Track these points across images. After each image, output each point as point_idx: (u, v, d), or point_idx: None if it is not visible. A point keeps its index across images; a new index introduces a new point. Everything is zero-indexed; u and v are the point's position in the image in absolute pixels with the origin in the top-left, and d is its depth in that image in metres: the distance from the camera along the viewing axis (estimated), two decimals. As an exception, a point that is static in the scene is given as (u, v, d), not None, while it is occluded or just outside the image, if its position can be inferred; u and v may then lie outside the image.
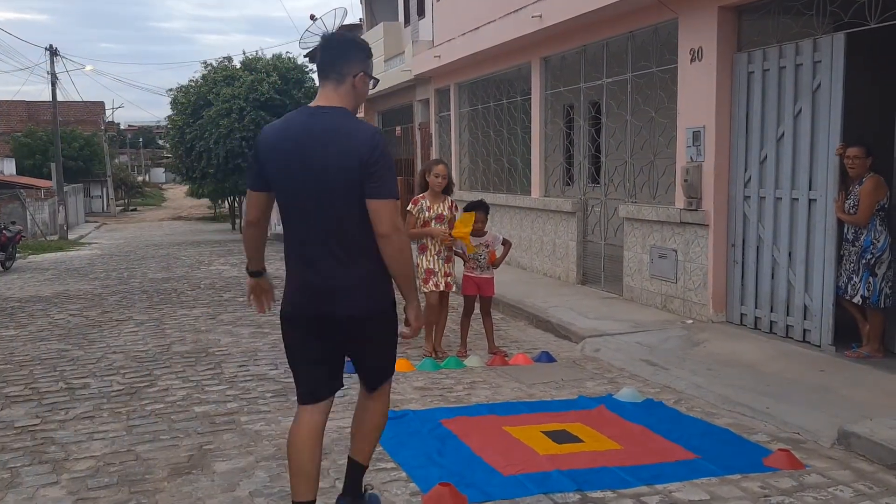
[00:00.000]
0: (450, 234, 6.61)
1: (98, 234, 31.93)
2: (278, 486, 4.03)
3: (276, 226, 31.43)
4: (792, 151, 6.71)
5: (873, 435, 4.32)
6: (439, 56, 13.79)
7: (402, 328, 3.33)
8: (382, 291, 3.20)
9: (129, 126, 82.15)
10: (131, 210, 52.83)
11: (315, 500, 3.28)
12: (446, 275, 6.70)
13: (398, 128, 18.89)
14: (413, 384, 5.93)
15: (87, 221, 39.72)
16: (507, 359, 6.67)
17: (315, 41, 23.63)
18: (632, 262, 8.88)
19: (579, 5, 8.94)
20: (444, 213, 6.65)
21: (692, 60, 7.67)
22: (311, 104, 3.17)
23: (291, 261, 3.23)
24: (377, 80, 3.33)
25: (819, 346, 6.45)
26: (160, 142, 68.12)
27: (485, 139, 13.48)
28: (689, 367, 6.13)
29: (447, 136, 15.09)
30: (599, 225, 9.94)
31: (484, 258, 6.90)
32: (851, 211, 6.11)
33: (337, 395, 3.43)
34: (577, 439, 4.65)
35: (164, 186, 71.86)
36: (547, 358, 6.70)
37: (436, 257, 6.67)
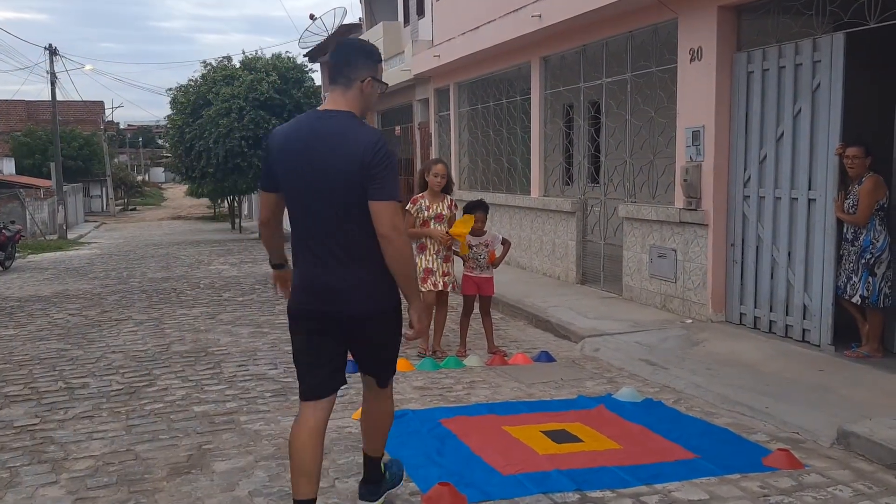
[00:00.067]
0: (447, 232, 6.61)
1: (97, 233, 31.93)
2: (277, 486, 4.03)
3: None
4: (791, 151, 6.72)
5: (873, 434, 4.32)
6: (439, 55, 13.79)
7: (406, 329, 3.37)
8: (383, 292, 3.24)
9: (129, 125, 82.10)
10: (131, 209, 52.82)
11: (316, 499, 3.29)
12: (445, 274, 6.70)
13: (398, 127, 18.89)
14: (412, 384, 5.93)
15: (86, 221, 39.72)
16: (506, 358, 6.67)
17: (315, 41, 23.66)
18: (631, 262, 8.88)
19: (579, 5, 8.94)
20: (444, 213, 6.65)
21: (692, 60, 7.67)
22: (320, 108, 3.27)
23: (297, 259, 3.30)
24: (386, 85, 3.40)
25: (818, 346, 6.45)
26: (160, 141, 68.07)
27: (484, 139, 13.48)
28: (689, 367, 6.13)
29: (447, 136, 15.08)
30: (599, 225, 9.94)
31: (483, 258, 6.90)
32: (851, 210, 6.11)
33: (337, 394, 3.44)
34: (576, 439, 4.65)
35: (163, 186, 71.86)
36: (546, 358, 6.70)
37: (434, 257, 6.67)
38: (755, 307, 7.19)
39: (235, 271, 14.17)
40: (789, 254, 6.79)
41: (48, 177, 33.52)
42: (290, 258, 3.49)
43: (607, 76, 9.42)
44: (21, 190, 28.41)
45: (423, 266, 6.65)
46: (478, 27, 11.98)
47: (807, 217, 6.59)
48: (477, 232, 6.85)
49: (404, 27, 17.54)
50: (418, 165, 16.04)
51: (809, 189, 6.55)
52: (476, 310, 7.02)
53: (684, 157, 7.79)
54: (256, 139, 22.31)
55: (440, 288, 6.69)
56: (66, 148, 40.65)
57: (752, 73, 7.12)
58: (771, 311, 7.01)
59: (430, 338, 6.82)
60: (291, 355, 3.45)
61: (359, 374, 3.54)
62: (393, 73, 17.09)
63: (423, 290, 6.60)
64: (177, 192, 59.79)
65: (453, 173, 14.31)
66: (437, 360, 6.58)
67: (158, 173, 76.24)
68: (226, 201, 34.85)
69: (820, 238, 6.45)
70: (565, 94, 10.84)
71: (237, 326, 8.51)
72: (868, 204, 5.98)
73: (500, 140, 12.77)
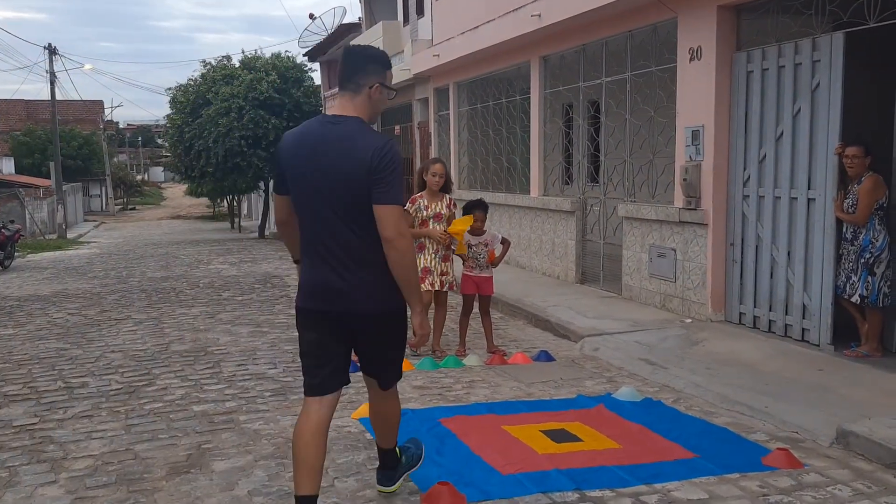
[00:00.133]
0: (445, 231, 6.61)
1: (97, 232, 31.92)
2: (277, 485, 4.03)
3: (274, 225, 31.41)
4: (791, 151, 6.71)
5: (872, 434, 4.32)
6: (438, 55, 13.79)
7: (411, 335, 3.42)
8: (386, 293, 3.27)
9: (128, 125, 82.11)
10: (130, 209, 52.82)
11: (317, 495, 3.31)
12: (443, 273, 6.70)
13: (397, 127, 18.88)
14: (412, 383, 5.93)
15: (85, 220, 39.72)
16: (505, 358, 6.67)
17: (314, 40, 23.66)
18: (631, 262, 8.88)
19: (578, 4, 8.93)
20: (443, 212, 6.65)
21: (691, 59, 7.67)
22: (329, 112, 3.35)
23: (304, 259, 3.38)
24: (395, 91, 3.47)
25: (818, 346, 6.45)
26: (159, 141, 68.06)
27: (484, 138, 13.48)
28: (688, 366, 6.13)
29: (446, 135, 15.08)
30: (598, 224, 9.94)
31: (483, 257, 6.90)
32: (850, 210, 6.11)
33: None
34: (575, 438, 4.65)
35: (162, 185, 71.86)
36: (546, 357, 6.70)
37: (433, 256, 6.67)
38: (754, 307, 7.19)
39: (235, 270, 14.17)
40: (789, 253, 6.79)
41: (47, 176, 33.52)
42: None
43: (607, 75, 9.42)
44: (20, 189, 28.41)
45: (421, 265, 6.65)
46: (477, 27, 11.98)
47: (806, 216, 6.59)
48: (476, 231, 6.85)
49: (404, 26, 17.53)
50: (418, 165, 16.03)
51: (809, 188, 6.55)
52: (475, 309, 7.02)
53: (684, 157, 7.79)
54: (256, 138, 22.31)
55: (437, 288, 6.69)
56: (66, 147, 40.64)
57: (751, 73, 7.12)
58: (770, 310, 7.01)
59: (430, 337, 6.82)
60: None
61: (359, 374, 3.58)
62: (392, 73, 17.06)
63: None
64: (176, 192, 59.80)
65: (453, 173, 14.33)
66: (437, 359, 6.58)
67: (158, 173, 76.24)
68: (225, 201, 34.87)
69: (819, 237, 6.45)
70: (565, 94, 10.84)
71: (236, 326, 8.51)
72: (867, 203, 5.97)
73: (499, 139, 12.77)
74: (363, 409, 5.11)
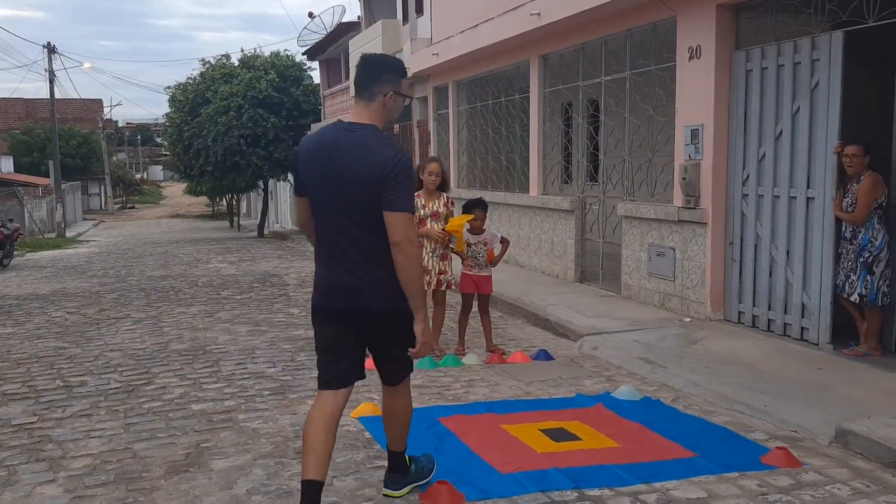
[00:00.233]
0: (444, 229, 6.60)
1: (96, 231, 31.91)
2: (276, 484, 4.03)
3: (273, 224, 31.44)
4: (790, 150, 6.71)
5: (871, 433, 4.32)
6: (437, 54, 13.77)
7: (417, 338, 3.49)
8: (395, 293, 3.38)
9: (128, 123, 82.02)
10: (129, 208, 52.79)
11: (323, 482, 3.37)
12: (441, 273, 6.69)
13: (396, 126, 18.87)
14: (411, 382, 5.91)
15: (84, 219, 39.72)
16: (505, 357, 6.67)
17: (313, 39, 23.64)
18: (630, 261, 8.88)
19: (578, 3, 8.92)
20: (440, 210, 6.64)
21: (690, 58, 7.67)
22: (345, 119, 3.51)
23: (319, 259, 3.54)
24: (411, 98, 3.56)
25: (817, 345, 6.45)
26: (158, 139, 67.97)
27: (483, 137, 13.48)
28: (687, 366, 6.13)
29: (445, 134, 15.07)
30: (598, 223, 9.93)
31: (482, 256, 6.90)
32: (849, 209, 6.11)
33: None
34: (574, 437, 4.65)
35: (162, 184, 71.81)
36: (545, 356, 6.70)
37: (431, 255, 6.66)
38: (754, 306, 7.19)
39: (234, 269, 14.17)
40: (788, 252, 6.79)
41: (46, 175, 33.51)
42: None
43: (606, 74, 9.42)
44: (19, 188, 28.41)
45: (420, 264, 6.63)
46: (477, 25, 11.97)
47: (805, 215, 6.59)
48: (476, 230, 6.84)
49: (403, 25, 17.51)
50: (416, 164, 16.02)
51: (808, 187, 6.55)
52: (475, 308, 7.02)
53: (683, 156, 7.79)
54: (255, 137, 22.30)
55: (434, 287, 6.68)
56: (65, 146, 40.62)
57: (750, 72, 7.12)
58: (769, 309, 7.01)
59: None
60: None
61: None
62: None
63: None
64: (175, 191, 59.77)
65: (452, 172, 14.33)
66: (436, 358, 6.57)
67: (157, 171, 76.18)
68: (224, 199, 34.85)
69: (818, 236, 6.45)
70: (564, 93, 10.83)
71: (235, 325, 8.50)
72: (866, 202, 5.97)
73: (498, 138, 12.76)
74: (362, 409, 5.11)
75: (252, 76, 22.49)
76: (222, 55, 24.29)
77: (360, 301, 3.39)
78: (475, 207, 6.84)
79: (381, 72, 3.46)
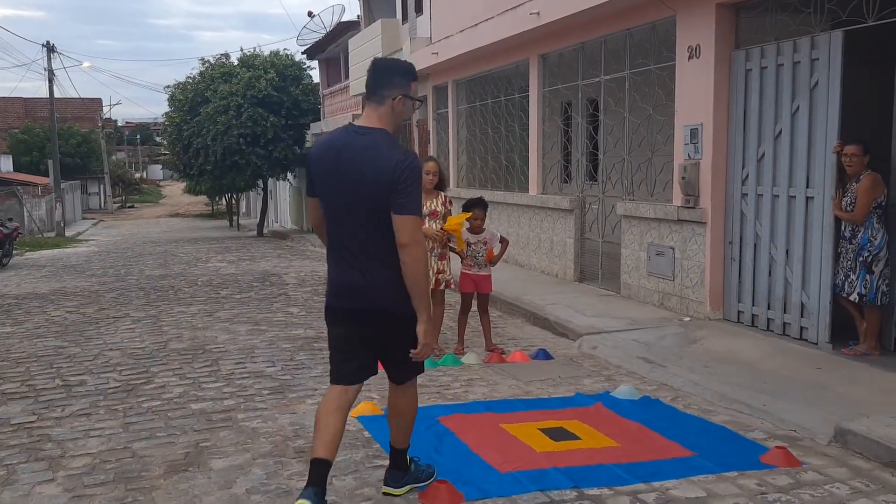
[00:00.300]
0: (442, 228, 6.60)
1: (95, 230, 31.90)
2: (275, 483, 4.03)
3: (273, 223, 31.43)
4: (789, 149, 6.71)
5: (870, 432, 4.32)
6: (437, 53, 13.77)
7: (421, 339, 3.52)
8: (401, 294, 3.44)
9: (127, 123, 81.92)
10: (129, 207, 52.76)
11: (331, 462, 3.47)
12: (439, 272, 6.68)
13: (395, 125, 18.84)
14: (410, 381, 5.92)
15: (84, 218, 39.69)
16: (504, 356, 6.67)
17: (313, 38, 23.63)
18: (629, 260, 8.88)
19: (577, 2, 8.92)
20: (438, 209, 6.62)
21: (690, 58, 7.66)
22: (356, 122, 3.55)
23: (328, 259, 3.65)
24: (421, 101, 3.56)
25: (816, 344, 6.45)
26: (158, 139, 67.91)
27: (482, 136, 13.47)
28: (686, 365, 6.13)
29: (445, 133, 15.07)
30: (597, 222, 9.93)
31: (482, 255, 6.90)
32: (848, 208, 6.11)
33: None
34: (574, 437, 4.65)
35: (161, 183, 71.74)
36: (544, 355, 6.70)
37: (429, 254, 6.65)
38: (753, 305, 7.19)
39: (233, 269, 14.17)
40: (787, 252, 6.79)
41: (46, 174, 33.48)
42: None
43: (606, 74, 9.42)
44: (19, 187, 28.38)
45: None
46: (476, 24, 11.97)
47: (805, 215, 6.59)
48: (476, 230, 6.84)
49: (402, 24, 17.50)
50: (416, 163, 15.97)
51: (807, 187, 6.55)
52: (474, 307, 7.02)
53: (682, 155, 7.79)
54: (254, 136, 22.29)
55: (432, 286, 6.67)
56: (64, 145, 40.59)
57: (750, 71, 7.12)
58: (769, 308, 7.01)
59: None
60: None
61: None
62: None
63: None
64: (175, 190, 59.73)
65: (451, 171, 14.33)
66: (435, 357, 6.57)
67: (156, 171, 76.10)
68: (224, 199, 34.85)
69: (818, 236, 6.45)
70: (563, 92, 10.83)
71: (235, 324, 8.50)
72: (866, 202, 5.97)
73: (498, 138, 12.76)
74: (362, 408, 5.11)
75: (251, 75, 22.48)
76: (222, 54, 24.29)
77: (366, 301, 3.47)
78: (475, 207, 6.84)
79: (389, 76, 3.53)
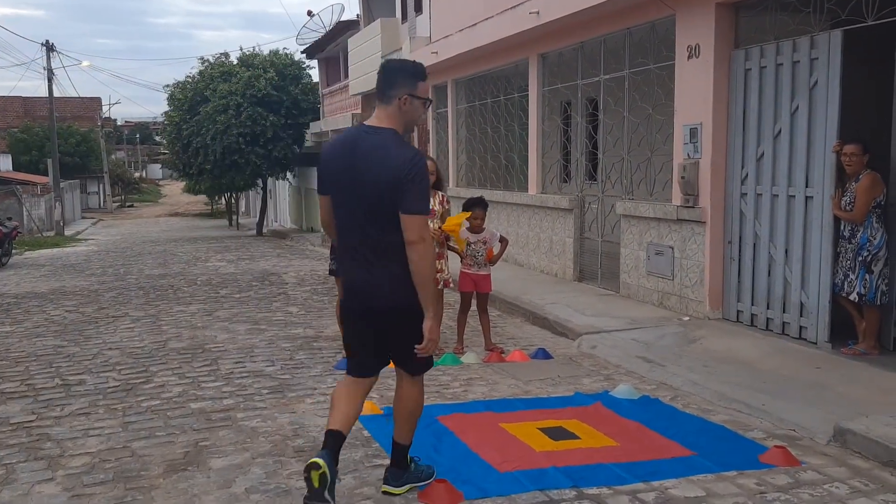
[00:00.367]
0: (440, 228, 6.60)
1: (94, 230, 31.89)
2: (274, 483, 4.03)
3: (272, 222, 31.41)
4: (789, 148, 6.71)
5: (869, 432, 4.32)
6: (436, 52, 13.76)
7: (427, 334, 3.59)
8: (408, 290, 3.51)
9: (126, 122, 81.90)
10: (128, 206, 52.76)
11: (345, 435, 3.59)
12: (437, 271, 6.67)
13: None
14: (409, 381, 5.92)
15: (83, 217, 39.68)
16: (503, 355, 6.67)
17: (312, 37, 23.62)
18: (629, 259, 8.88)
19: (577, 2, 8.92)
20: (436, 208, 6.62)
21: (689, 57, 7.66)
22: (367, 123, 3.63)
23: (340, 260, 3.77)
24: (430, 101, 3.73)
25: (815, 343, 6.45)
26: (157, 138, 67.88)
27: (482, 136, 13.47)
28: (686, 364, 6.14)
29: (444, 133, 15.07)
30: (596, 222, 9.93)
31: (481, 255, 6.89)
32: (848, 208, 6.11)
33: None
34: (573, 436, 4.65)
35: (160, 182, 71.74)
36: (543, 355, 6.70)
37: (432, 252, 6.65)
38: (752, 304, 7.19)
39: (233, 268, 14.17)
40: (786, 251, 6.79)
41: (45, 173, 33.46)
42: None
43: (605, 73, 9.42)
44: (18, 186, 28.37)
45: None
46: (475, 24, 11.96)
47: (804, 214, 6.59)
48: (476, 229, 6.84)
49: (402, 24, 17.49)
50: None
51: (807, 186, 6.55)
52: (473, 307, 7.01)
53: (682, 155, 7.79)
54: (254, 136, 22.29)
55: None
56: (63, 144, 40.58)
57: (749, 71, 7.12)
58: (768, 308, 7.01)
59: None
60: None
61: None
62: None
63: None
64: (174, 189, 59.71)
65: (451, 170, 14.33)
66: (435, 356, 6.56)
67: (156, 170, 76.08)
68: (223, 198, 34.84)
69: (817, 235, 6.46)
70: (563, 91, 10.83)
71: (234, 323, 8.50)
72: (865, 201, 5.97)
73: (497, 137, 12.76)
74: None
75: (251, 75, 22.48)
76: (221, 54, 24.31)
77: (373, 298, 3.56)
78: (475, 206, 6.83)
79: (396, 76, 3.59)
